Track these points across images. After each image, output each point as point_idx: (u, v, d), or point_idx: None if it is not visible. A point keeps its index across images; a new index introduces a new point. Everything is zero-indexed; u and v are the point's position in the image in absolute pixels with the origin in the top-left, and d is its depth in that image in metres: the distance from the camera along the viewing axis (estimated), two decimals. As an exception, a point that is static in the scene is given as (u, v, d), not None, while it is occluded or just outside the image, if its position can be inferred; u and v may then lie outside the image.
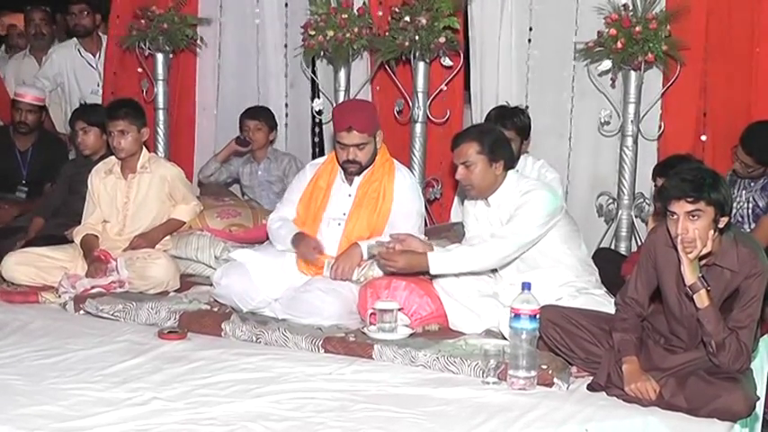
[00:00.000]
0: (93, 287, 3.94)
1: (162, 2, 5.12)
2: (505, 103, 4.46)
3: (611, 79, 4.33)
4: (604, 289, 3.52)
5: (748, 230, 3.92)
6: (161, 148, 5.22)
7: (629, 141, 4.28)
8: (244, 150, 5.06)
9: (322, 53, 4.76)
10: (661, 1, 4.18)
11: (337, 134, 3.80)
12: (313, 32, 4.65)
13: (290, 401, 2.86)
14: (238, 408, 2.81)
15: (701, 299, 2.79)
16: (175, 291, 4.06)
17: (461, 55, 4.55)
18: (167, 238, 4.33)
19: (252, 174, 5.08)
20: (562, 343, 3.10)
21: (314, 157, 5.00)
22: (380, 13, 4.69)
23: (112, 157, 4.34)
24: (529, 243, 3.43)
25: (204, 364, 3.20)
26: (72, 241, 4.29)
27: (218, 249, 4.25)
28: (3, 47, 6.79)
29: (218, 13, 5.45)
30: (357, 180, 3.86)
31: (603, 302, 3.36)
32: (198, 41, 5.26)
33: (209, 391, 2.94)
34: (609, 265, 3.81)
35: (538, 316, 2.98)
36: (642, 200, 4.34)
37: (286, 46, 5.36)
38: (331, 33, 4.59)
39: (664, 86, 4.31)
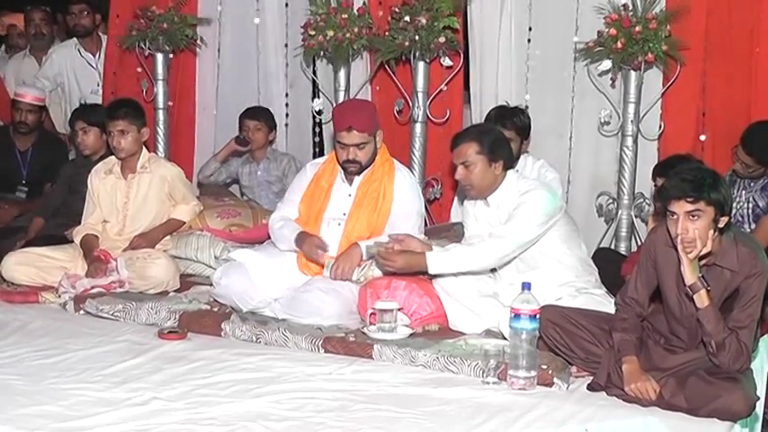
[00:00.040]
0: (93, 287, 3.94)
1: (162, 2, 5.12)
2: (505, 103, 4.46)
3: (611, 79, 4.33)
4: (604, 289, 3.52)
5: (748, 230, 3.92)
6: (161, 148, 5.22)
7: (629, 141, 4.28)
8: (243, 150, 5.06)
9: (322, 53, 4.76)
10: (661, 1, 4.19)
11: (337, 134, 3.80)
12: (313, 32, 4.65)
13: (290, 401, 2.86)
14: (238, 408, 2.81)
15: (701, 299, 2.79)
16: (175, 291, 4.06)
17: (461, 55, 4.55)
18: (167, 238, 4.33)
19: (251, 174, 5.08)
20: (562, 343, 3.10)
21: (314, 157, 5.00)
22: (380, 13, 4.69)
23: (112, 157, 4.34)
24: (528, 243, 3.43)
25: (204, 364, 3.20)
26: (72, 241, 4.29)
27: (217, 249, 4.25)
28: (3, 47, 6.79)
29: (218, 14, 5.45)
30: (357, 180, 3.86)
31: (603, 302, 3.36)
32: (198, 41, 5.26)
33: (209, 391, 2.94)
34: (609, 265, 3.80)
35: (538, 316, 2.98)
36: (642, 200, 4.34)
37: (286, 46, 5.36)
38: (331, 33, 4.59)
39: (664, 86, 4.31)
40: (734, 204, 3.91)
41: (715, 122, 4.34)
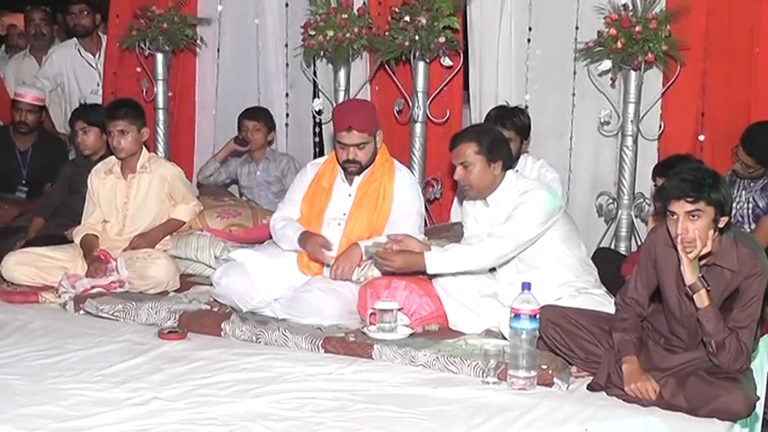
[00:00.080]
0: (93, 287, 3.94)
1: (162, 2, 5.12)
2: (505, 103, 4.46)
3: (611, 79, 4.33)
4: (604, 288, 3.52)
5: (748, 231, 3.92)
6: (161, 148, 5.22)
7: (629, 141, 4.28)
8: (243, 150, 5.06)
9: (322, 53, 4.75)
10: (661, 1, 4.19)
11: (337, 134, 3.80)
12: (313, 32, 4.65)
13: (290, 401, 2.86)
14: (238, 408, 2.80)
15: (701, 299, 2.79)
16: (175, 291, 4.06)
17: (461, 55, 4.55)
18: (167, 238, 4.33)
19: (250, 174, 5.08)
20: (562, 343, 3.10)
21: (315, 158, 5.00)
22: (379, 13, 4.69)
23: (112, 157, 4.34)
24: (526, 242, 3.42)
25: (204, 364, 3.20)
26: (72, 241, 4.29)
27: (217, 249, 4.25)
28: (3, 47, 6.79)
29: (218, 14, 5.45)
30: (357, 180, 3.86)
31: (603, 302, 3.36)
32: (198, 41, 5.26)
33: (209, 391, 2.94)
34: (609, 265, 3.80)
35: (538, 316, 2.98)
36: (642, 200, 4.34)
37: (287, 46, 5.35)
38: (331, 33, 4.59)
39: (664, 86, 4.31)
40: (734, 204, 3.91)
41: (715, 122, 4.34)
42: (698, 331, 2.87)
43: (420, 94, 4.54)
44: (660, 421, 2.75)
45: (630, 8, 4.12)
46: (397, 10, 4.43)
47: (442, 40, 4.35)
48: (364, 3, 4.74)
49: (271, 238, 4.02)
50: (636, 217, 4.35)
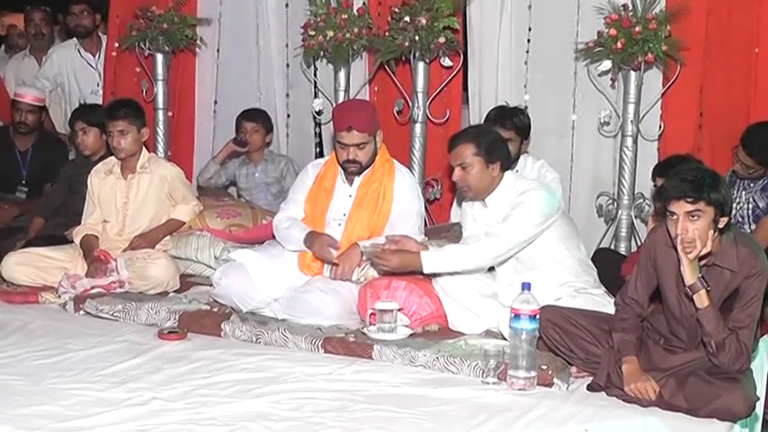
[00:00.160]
0: (92, 287, 3.94)
1: (162, 2, 5.12)
2: (505, 103, 4.46)
3: (611, 79, 4.33)
4: (603, 289, 3.52)
5: (748, 231, 3.92)
6: (161, 148, 5.22)
7: (629, 141, 4.28)
8: (242, 151, 5.05)
9: (322, 53, 4.76)
10: (661, 1, 4.18)
11: (337, 134, 3.80)
12: (313, 33, 4.65)
13: (289, 401, 2.86)
14: (238, 408, 2.81)
15: (701, 299, 2.79)
16: (175, 291, 4.06)
17: (461, 55, 4.55)
18: (167, 238, 4.33)
19: (249, 176, 5.08)
20: (562, 343, 3.10)
21: (316, 158, 5.00)
22: (379, 14, 4.69)
23: (112, 158, 4.34)
24: (523, 242, 3.42)
25: (204, 365, 3.20)
26: (72, 241, 4.29)
27: (217, 249, 4.24)
28: (3, 47, 6.79)
29: (218, 14, 5.45)
30: (357, 180, 3.86)
31: (603, 302, 3.36)
32: (198, 42, 5.26)
33: (209, 391, 2.94)
34: (609, 266, 3.80)
35: (537, 316, 2.98)
36: (642, 200, 4.34)
37: (287, 46, 5.35)
38: (331, 33, 4.59)
39: (664, 87, 4.31)
40: (734, 205, 3.91)
41: (715, 123, 4.34)
42: (698, 331, 2.87)
43: (420, 95, 4.54)
44: (660, 421, 2.75)
45: (630, 8, 4.12)
46: (396, 10, 4.43)
47: (441, 40, 4.35)
48: (364, 3, 4.74)
49: (271, 238, 4.03)
50: (636, 217, 4.35)
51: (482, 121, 4.31)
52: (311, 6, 4.71)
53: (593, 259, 3.74)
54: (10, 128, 5.39)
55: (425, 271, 3.47)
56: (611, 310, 3.20)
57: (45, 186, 5.27)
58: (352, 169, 3.81)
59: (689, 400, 2.77)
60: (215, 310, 3.75)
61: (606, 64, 4.20)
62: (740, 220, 4.02)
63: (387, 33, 4.51)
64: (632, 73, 4.20)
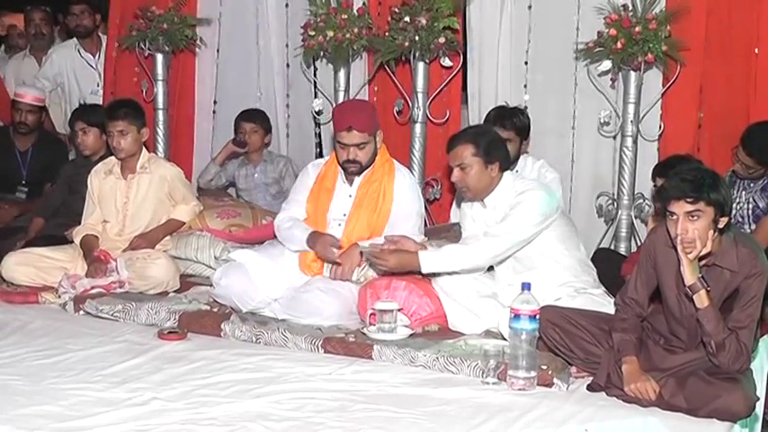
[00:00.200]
0: (92, 287, 3.94)
1: (162, 2, 5.12)
2: (504, 104, 4.46)
3: (611, 79, 4.33)
4: (603, 288, 3.52)
5: (748, 231, 3.92)
6: (161, 148, 5.22)
7: (629, 142, 4.28)
8: (241, 151, 5.05)
9: (322, 53, 4.76)
10: (661, 1, 4.18)
11: (337, 134, 3.80)
12: (313, 33, 4.65)
13: (289, 401, 2.86)
14: (238, 408, 2.81)
15: (701, 299, 2.79)
16: (175, 291, 4.06)
17: (461, 55, 4.55)
18: (167, 238, 4.33)
19: (248, 176, 5.08)
20: (562, 343, 3.10)
21: (316, 158, 5.00)
22: (379, 14, 4.69)
23: (112, 158, 4.34)
24: (522, 242, 3.42)
25: (204, 365, 3.20)
26: (72, 241, 4.29)
27: (217, 250, 4.25)
28: (3, 47, 6.79)
29: (218, 14, 5.45)
30: (357, 180, 3.86)
31: (602, 302, 3.36)
32: (197, 42, 5.26)
33: (209, 392, 2.94)
34: (608, 266, 3.80)
35: (537, 316, 2.98)
36: (642, 200, 4.34)
37: (287, 46, 5.35)
38: (331, 34, 4.59)
39: (663, 87, 4.31)
40: (734, 205, 3.91)
41: (715, 123, 4.33)
42: (698, 331, 2.87)
43: (420, 95, 4.54)
44: (660, 422, 2.75)
45: (630, 8, 4.12)
46: (396, 10, 4.43)
47: (441, 40, 4.35)
48: (364, 3, 4.75)
49: (272, 238, 4.02)
50: (636, 217, 4.35)
51: (482, 122, 4.32)
52: (311, 6, 4.71)
53: (592, 259, 3.74)
54: (10, 128, 5.38)
55: (424, 271, 3.47)
56: (610, 310, 3.20)
57: (45, 186, 5.27)
58: (352, 169, 3.81)
59: (689, 400, 2.77)
60: (215, 310, 3.75)
61: (606, 64, 4.20)
62: (740, 220, 4.02)
63: (387, 33, 4.50)
64: (632, 73, 4.20)
